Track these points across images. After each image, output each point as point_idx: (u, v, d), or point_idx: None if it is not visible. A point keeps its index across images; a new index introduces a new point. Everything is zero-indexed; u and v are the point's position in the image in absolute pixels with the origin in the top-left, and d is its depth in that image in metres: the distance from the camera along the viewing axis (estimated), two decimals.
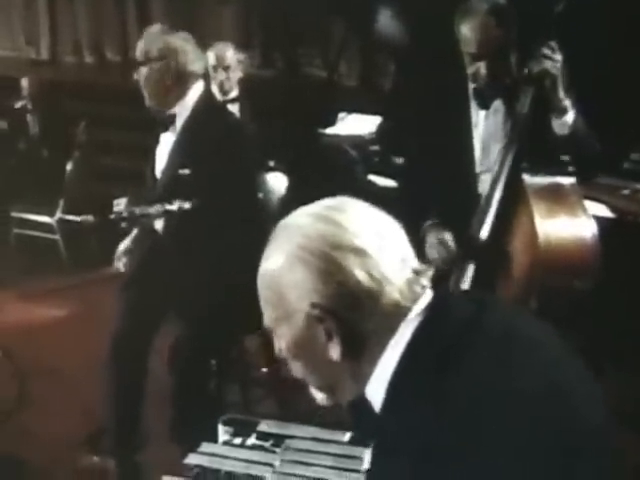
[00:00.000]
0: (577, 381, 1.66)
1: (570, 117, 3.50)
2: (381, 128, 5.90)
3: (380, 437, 1.67)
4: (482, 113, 3.78)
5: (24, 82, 8.23)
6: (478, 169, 3.79)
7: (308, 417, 2.76)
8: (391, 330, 1.66)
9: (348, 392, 1.77)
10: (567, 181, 3.55)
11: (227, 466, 2.38)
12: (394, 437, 1.59)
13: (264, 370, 5.03)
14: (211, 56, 5.78)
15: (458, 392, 1.54)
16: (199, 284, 4.01)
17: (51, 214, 7.82)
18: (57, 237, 7.83)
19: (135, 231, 4.28)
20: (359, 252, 1.65)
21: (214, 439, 2.53)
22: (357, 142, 6.22)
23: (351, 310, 1.65)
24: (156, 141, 4.27)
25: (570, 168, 3.58)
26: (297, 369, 1.80)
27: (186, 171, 4.02)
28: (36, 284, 7.21)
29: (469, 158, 3.80)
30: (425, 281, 1.70)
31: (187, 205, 3.82)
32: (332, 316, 1.65)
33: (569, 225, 3.48)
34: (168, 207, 3.88)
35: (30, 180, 7.89)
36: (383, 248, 1.67)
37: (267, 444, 2.48)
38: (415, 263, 1.72)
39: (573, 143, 3.55)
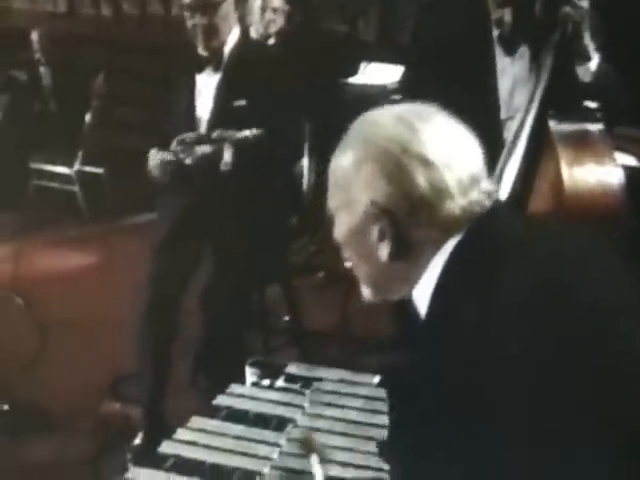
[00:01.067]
0: (620, 299, 1.63)
1: (594, 64, 3.45)
2: (404, 77, 5.84)
3: (423, 342, 1.67)
4: (507, 60, 3.74)
5: (34, 35, 8.19)
6: (503, 116, 3.76)
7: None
8: (444, 240, 1.67)
9: (394, 292, 1.81)
10: (595, 127, 3.51)
11: (256, 407, 2.38)
12: (437, 342, 1.59)
13: (286, 319, 5.04)
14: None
15: (502, 298, 1.54)
16: (243, 223, 4.09)
17: (70, 165, 7.81)
18: (76, 188, 7.83)
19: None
20: (427, 162, 1.66)
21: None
22: (380, 92, 6.20)
23: (407, 216, 1.68)
24: (189, 83, 4.29)
25: (598, 115, 3.54)
26: (349, 258, 1.84)
27: (242, 102, 4.07)
28: (55, 235, 7.24)
29: (494, 105, 3.76)
30: (489, 203, 1.69)
31: (256, 132, 3.90)
32: (388, 217, 1.68)
33: (596, 172, 3.45)
34: (239, 135, 3.98)
35: (49, 131, 7.87)
36: (453, 163, 1.69)
37: (295, 386, 2.48)
38: (486, 184, 1.72)
39: (598, 90, 3.50)
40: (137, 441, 4.25)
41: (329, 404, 2.38)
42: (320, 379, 2.50)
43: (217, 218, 4.12)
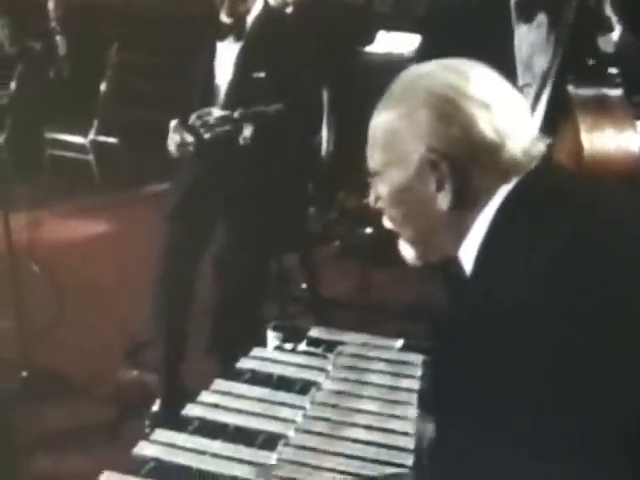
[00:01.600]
0: None
1: (616, 34, 3.43)
2: (421, 46, 5.83)
3: (468, 300, 1.64)
4: (524, 27, 3.72)
5: (50, 4, 8.17)
6: (521, 83, 3.74)
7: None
8: (498, 188, 1.63)
9: (442, 249, 1.76)
10: (614, 93, 3.49)
11: (279, 370, 2.38)
12: (482, 300, 1.56)
13: (304, 287, 5.05)
14: None
15: (549, 254, 1.50)
16: (259, 192, 4.10)
17: (84, 135, 7.81)
18: (90, 158, 7.83)
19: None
20: (485, 105, 1.62)
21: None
22: (397, 60, 6.18)
23: (468, 160, 1.62)
24: (209, 51, 4.28)
25: (617, 80, 3.52)
26: (393, 218, 1.79)
27: (261, 74, 4.06)
28: (70, 204, 7.26)
29: (511, 72, 3.75)
30: (542, 148, 1.67)
31: (276, 106, 3.90)
32: (448, 163, 1.63)
33: (615, 138, 3.43)
34: (259, 110, 3.98)
35: (64, 101, 7.86)
36: (509, 108, 1.65)
37: (318, 350, 2.48)
38: (536, 130, 1.70)
39: (619, 59, 3.49)
40: (155, 407, 4.27)
41: (353, 367, 2.37)
42: (343, 343, 2.50)
43: (234, 187, 4.11)
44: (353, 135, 5.17)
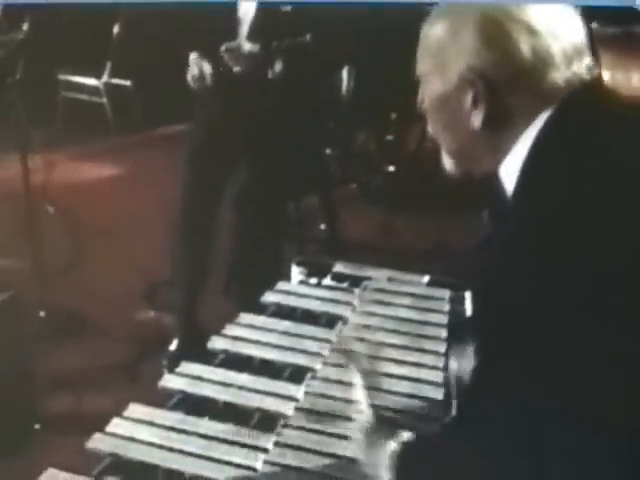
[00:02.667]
0: None
1: None
2: None
3: (510, 219, 1.62)
4: None
5: None
6: None
7: None
8: (539, 111, 1.61)
9: (481, 164, 1.74)
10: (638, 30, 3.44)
11: (304, 304, 2.35)
12: (525, 220, 1.54)
13: (322, 227, 5.02)
14: None
15: (593, 177, 1.48)
16: (281, 130, 4.05)
17: (98, 77, 7.76)
18: (104, 100, 7.78)
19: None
20: (531, 30, 1.59)
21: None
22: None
23: (506, 83, 1.60)
24: None
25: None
26: (434, 125, 1.77)
27: (287, 8, 4.00)
28: (84, 146, 7.22)
29: None
30: (589, 77, 1.64)
31: (303, 38, 3.85)
32: (485, 83, 1.61)
33: (637, 76, 3.38)
34: (289, 42, 3.96)
35: (77, 43, 7.79)
36: (558, 33, 1.62)
37: (344, 285, 2.45)
38: (588, 58, 1.66)
39: None
40: (172, 347, 4.26)
41: (379, 302, 2.35)
42: (368, 278, 2.47)
43: (257, 124, 4.06)
44: (373, 74, 5.14)
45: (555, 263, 1.43)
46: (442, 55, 1.67)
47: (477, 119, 1.63)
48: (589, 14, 3.39)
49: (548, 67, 1.59)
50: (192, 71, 4.02)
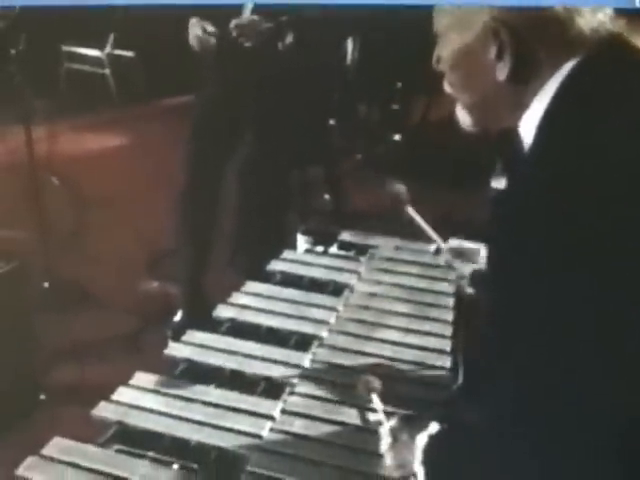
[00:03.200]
0: None
1: None
2: None
3: (528, 172, 1.59)
4: None
5: None
6: None
7: None
8: (563, 62, 1.57)
9: (500, 118, 1.70)
10: None
11: (310, 272, 2.33)
12: (543, 172, 1.51)
13: (326, 198, 5.01)
14: None
15: (614, 129, 1.45)
16: (287, 101, 4.02)
17: (101, 48, 7.73)
18: (107, 71, 7.76)
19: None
20: None
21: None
22: None
23: (532, 33, 1.56)
24: None
25: None
26: (452, 83, 1.72)
27: None
28: (87, 117, 7.20)
29: None
30: (613, 27, 1.61)
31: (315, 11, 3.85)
32: (510, 32, 1.57)
33: None
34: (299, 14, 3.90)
35: (80, 14, 7.75)
36: None
37: (350, 253, 2.43)
38: (609, 9, 1.63)
39: None
40: (176, 318, 4.25)
41: (386, 270, 2.33)
42: (375, 246, 2.45)
43: (264, 95, 4.03)
44: (377, 44, 5.09)
45: (571, 218, 1.41)
46: (463, 8, 1.64)
47: (502, 71, 1.59)
48: None
49: (574, 14, 1.56)
50: (194, 32, 3.97)
